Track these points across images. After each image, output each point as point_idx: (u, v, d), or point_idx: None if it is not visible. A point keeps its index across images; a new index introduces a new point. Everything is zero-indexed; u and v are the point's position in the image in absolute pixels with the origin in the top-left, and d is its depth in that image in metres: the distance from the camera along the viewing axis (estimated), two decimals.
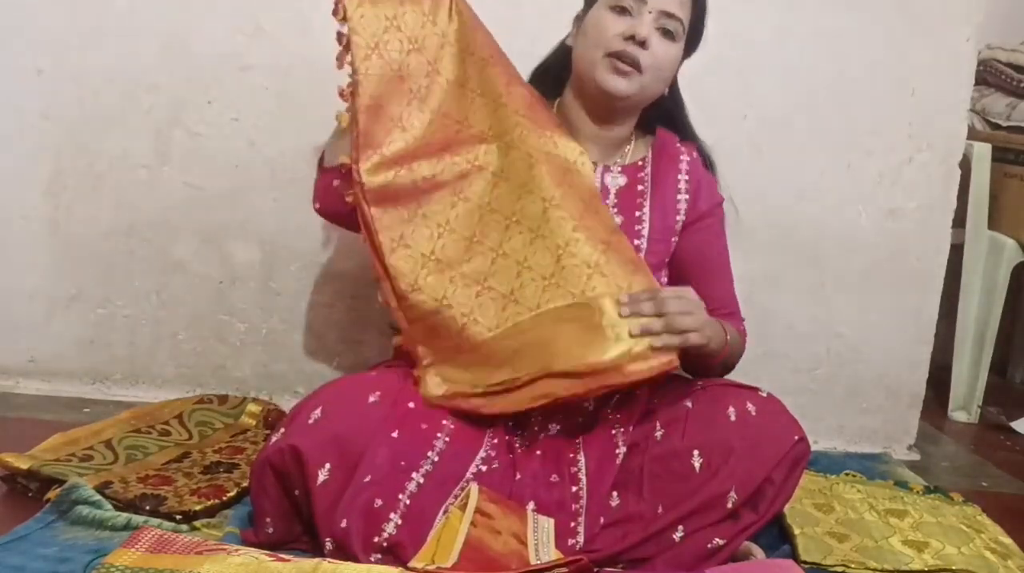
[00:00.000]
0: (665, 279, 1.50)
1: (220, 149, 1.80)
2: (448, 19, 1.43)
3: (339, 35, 1.37)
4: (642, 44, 1.37)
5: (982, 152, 2.19)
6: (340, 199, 1.39)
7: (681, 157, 1.51)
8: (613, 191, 1.48)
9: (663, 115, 1.53)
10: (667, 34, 1.40)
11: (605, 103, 1.44)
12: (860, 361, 1.97)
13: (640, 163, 1.51)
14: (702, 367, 1.43)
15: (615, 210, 1.46)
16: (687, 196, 1.50)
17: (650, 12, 1.38)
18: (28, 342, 1.84)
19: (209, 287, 1.85)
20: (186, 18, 1.76)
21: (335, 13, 1.37)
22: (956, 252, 2.12)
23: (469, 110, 1.42)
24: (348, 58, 1.36)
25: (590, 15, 1.43)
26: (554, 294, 1.33)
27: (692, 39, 1.46)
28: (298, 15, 1.76)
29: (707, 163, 1.56)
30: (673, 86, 1.53)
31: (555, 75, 1.51)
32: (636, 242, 1.45)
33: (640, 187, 1.49)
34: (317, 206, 1.50)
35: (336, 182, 1.41)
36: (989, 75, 2.52)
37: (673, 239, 1.50)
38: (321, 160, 1.49)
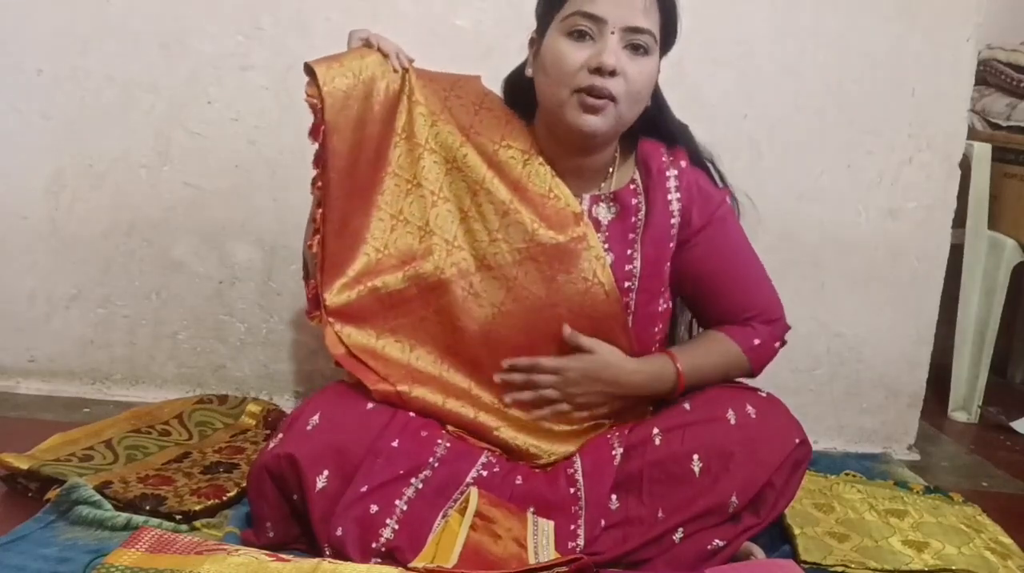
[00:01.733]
0: (665, 306, 1.42)
1: (220, 149, 1.80)
2: (404, 114, 1.34)
3: (314, 111, 1.28)
4: (611, 74, 1.23)
5: (982, 152, 2.19)
6: None
7: (668, 172, 1.38)
8: (605, 224, 1.38)
9: (645, 123, 1.38)
10: (638, 50, 1.25)
11: (580, 142, 1.31)
12: (860, 361, 1.97)
13: (632, 187, 1.39)
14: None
15: (605, 246, 1.36)
16: (679, 219, 1.38)
17: (613, 32, 1.23)
18: (28, 342, 1.84)
19: (209, 287, 1.85)
20: (186, 18, 1.76)
21: (310, 97, 1.28)
22: (956, 252, 2.12)
23: (429, 212, 1.34)
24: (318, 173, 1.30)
25: (546, 45, 1.28)
26: None
27: (667, 40, 1.32)
28: (298, 15, 1.77)
29: (703, 162, 1.45)
30: (662, 112, 1.41)
31: (524, 99, 1.37)
32: (627, 283, 1.37)
33: (634, 219, 1.38)
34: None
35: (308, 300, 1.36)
36: (989, 75, 2.52)
37: (666, 267, 1.40)
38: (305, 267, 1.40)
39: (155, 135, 1.79)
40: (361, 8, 1.76)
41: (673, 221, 1.38)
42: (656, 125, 1.41)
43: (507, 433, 1.35)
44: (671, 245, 1.39)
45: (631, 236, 1.38)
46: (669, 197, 1.38)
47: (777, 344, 1.48)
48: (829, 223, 1.92)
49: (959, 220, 2.00)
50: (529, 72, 1.34)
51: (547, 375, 1.35)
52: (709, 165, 1.46)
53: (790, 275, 1.92)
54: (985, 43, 2.45)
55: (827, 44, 1.86)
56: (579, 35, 1.25)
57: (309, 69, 1.28)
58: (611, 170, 1.39)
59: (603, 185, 1.39)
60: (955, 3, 1.87)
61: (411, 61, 1.36)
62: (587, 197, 1.38)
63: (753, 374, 1.46)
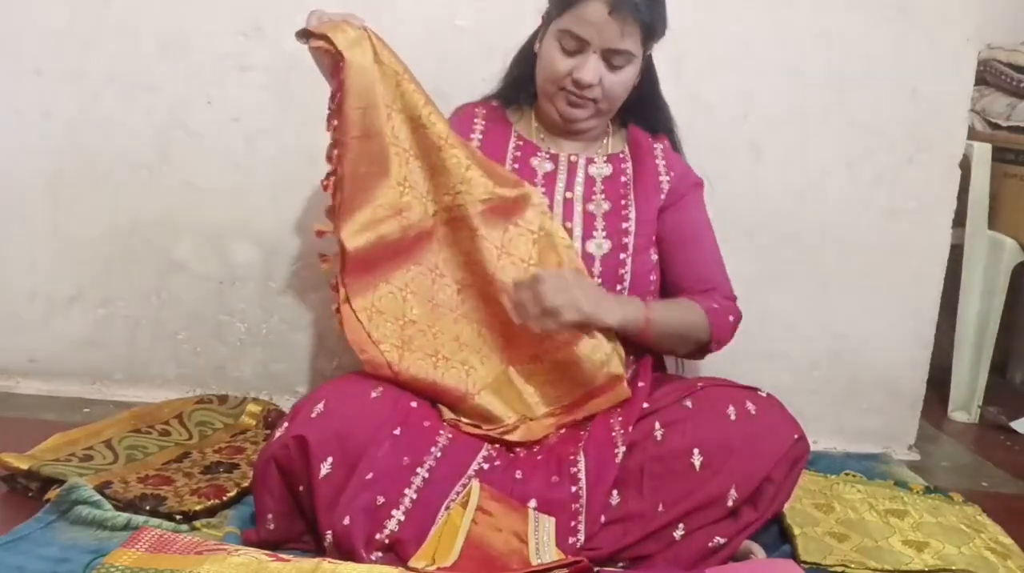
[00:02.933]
0: (655, 257, 1.54)
1: (220, 149, 1.80)
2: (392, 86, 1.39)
3: (333, 96, 1.35)
4: (588, 88, 1.42)
5: (982, 152, 2.18)
6: None
7: (655, 146, 1.57)
8: (599, 180, 1.54)
9: (638, 116, 1.58)
10: (615, 67, 1.43)
11: (568, 126, 1.50)
12: (860, 361, 1.97)
13: (621, 155, 1.57)
14: (641, 343, 1.46)
15: (603, 197, 1.52)
16: (668, 178, 1.54)
17: (595, 52, 1.41)
18: (28, 342, 1.84)
19: (209, 287, 1.85)
20: (186, 18, 1.76)
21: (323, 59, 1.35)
22: (956, 252, 2.12)
23: (404, 169, 1.40)
24: (335, 122, 1.35)
25: (545, 41, 1.46)
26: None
27: (650, 38, 1.46)
28: (298, 15, 1.75)
29: (681, 150, 1.62)
30: (653, 88, 1.57)
31: (530, 79, 1.52)
32: (624, 225, 1.50)
33: (623, 178, 1.54)
34: None
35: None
36: (989, 75, 2.51)
37: (655, 219, 1.54)
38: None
39: (155, 135, 1.79)
40: (361, 8, 1.75)
41: (662, 178, 1.55)
42: (647, 118, 1.58)
43: (485, 398, 1.40)
44: (661, 197, 1.54)
45: (623, 191, 1.54)
46: (657, 162, 1.56)
47: (732, 318, 1.53)
48: (829, 223, 1.92)
49: (959, 220, 2.00)
50: (536, 47, 1.50)
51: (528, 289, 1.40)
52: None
53: (790, 275, 1.93)
54: (985, 43, 2.45)
55: (827, 44, 1.86)
56: (566, 49, 1.42)
57: (307, 33, 1.34)
58: (606, 141, 1.58)
59: (599, 150, 1.57)
60: (955, 3, 1.87)
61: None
62: (583, 158, 1.54)
63: (711, 341, 1.50)
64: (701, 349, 1.53)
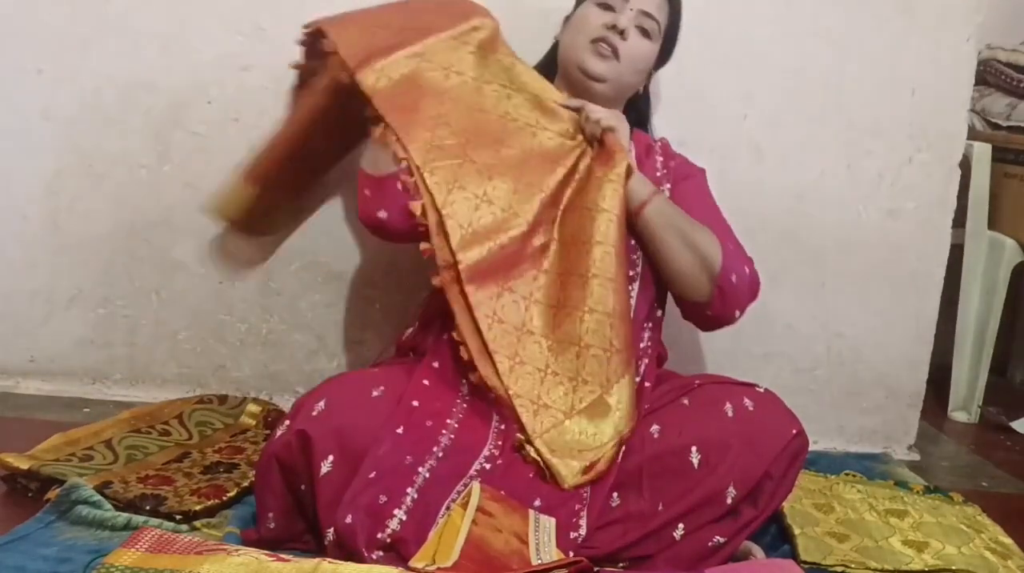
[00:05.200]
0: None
1: (220, 149, 1.79)
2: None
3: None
4: (622, 34, 1.47)
5: (982, 152, 2.19)
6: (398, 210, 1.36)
7: (654, 146, 1.60)
8: None
9: (639, 119, 1.61)
10: (644, 32, 1.50)
11: (586, 87, 1.50)
12: (860, 361, 1.97)
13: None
14: (636, 218, 1.43)
15: None
16: (665, 171, 1.57)
17: (631, 9, 1.48)
18: (28, 342, 1.84)
19: (209, 287, 1.84)
20: (186, 18, 1.76)
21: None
22: (956, 252, 2.11)
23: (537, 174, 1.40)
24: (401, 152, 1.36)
25: (577, 12, 1.54)
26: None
27: (666, 47, 1.56)
28: (298, 15, 1.75)
29: None
30: (646, 91, 1.62)
31: (550, 74, 1.55)
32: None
33: None
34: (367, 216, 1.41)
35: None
36: (989, 75, 2.51)
37: None
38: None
39: (155, 135, 1.79)
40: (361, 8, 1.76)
41: (659, 172, 1.56)
42: (644, 125, 1.63)
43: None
44: (663, 187, 1.54)
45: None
46: (656, 156, 1.58)
47: (748, 268, 1.46)
48: (829, 223, 1.92)
49: (959, 220, 2.00)
50: (557, 36, 1.57)
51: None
52: None
53: (790, 275, 1.93)
54: (985, 43, 2.45)
55: (827, 44, 1.86)
56: (606, 7, 1.50)
57: None
58: None
59: None
60: (955, 3, 1.87)
61: None
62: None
63: (720, 272, 1.41)
64: (710, 278, 1.41)
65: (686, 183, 1.57)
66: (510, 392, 1.33)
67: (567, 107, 1.46)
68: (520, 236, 1.37)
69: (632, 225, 1.44)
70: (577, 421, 1.34)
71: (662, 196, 1.47)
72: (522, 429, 1.32)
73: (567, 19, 1.57)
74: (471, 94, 1.42)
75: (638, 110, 1.62)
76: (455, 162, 1.37)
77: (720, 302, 1.43)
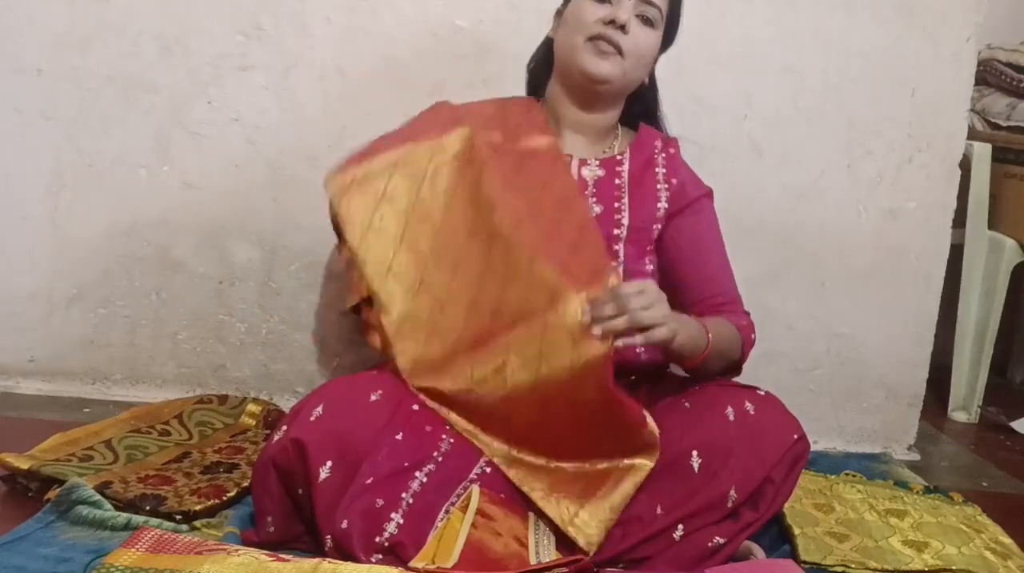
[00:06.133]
0: (651, 266, 1.49)
1: (220, 149, 1.80)
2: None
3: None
4: (622, 28, 1.38)
5: (982, 152, 2.19)
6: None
7: (658, 155, 1.51)
8: (591, 182, 1.47)
9: (646, 111, 1.55)
10: (646, 21, 1.42)
11: (588, 88, 1.44)
12: (860, 361, 1.97)
13: (619, 158, 1.50)
14: (691, 370, 1.40)
15: (594, 200, 1.46)
16: (666, 186, 1.49)
17: (628, 0, 1.40)
18: (28, 342, 1.84)
19: (209, 287, 1.84)
20: (186, 18, 1.76)
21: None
22: (956, 252, 2.12)
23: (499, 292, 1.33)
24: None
25: (570, 6, 1.45)
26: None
27: (669, 31, 1.48)
28: (298, 15, 1.77)
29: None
30: (652, 79, 1.53)
31: (546, 70, 1.52)
32: (616, 231, 1.45)
33: (617, 181, 1.48)
34: None
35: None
36: (989, 75, 2.52)
37: (655, 227, 1.48)
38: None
39: (155, 135, 1.79)
40: (361, 8, 1.76)
41: (660, 186, 1.49)
42: (651, 116, 1.56)
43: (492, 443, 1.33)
44: (659, 205, 1.48)
45: (617, 194, 1.48)
46: (656, 170, 1.50)
47: (754, 335, 1.48)
48: (829, 223, 1.92)
49: (959, 220, 2.00)
50: (551, 34, 1.49)
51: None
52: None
53: (790, 275, 1.93)
54: (985, 43, 2.45)
55: (827, 44, 1.86)
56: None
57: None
58: (613, 142, 1.52)
59: (604, 149, 1.51)
60: (955, 3, 1.87)
61: None
62: (576, 159, 1.48)
63: (740, 360, 1.46)
64: (730, 368, 1.45)
65: (693, 211, 1.49)
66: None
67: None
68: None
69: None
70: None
71: (705, 326, 1.35)
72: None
73: (559, 13, 1.49)
74: None
75: (645, 102, 1.54)
76: None
77: (731, 373, 1.48)
